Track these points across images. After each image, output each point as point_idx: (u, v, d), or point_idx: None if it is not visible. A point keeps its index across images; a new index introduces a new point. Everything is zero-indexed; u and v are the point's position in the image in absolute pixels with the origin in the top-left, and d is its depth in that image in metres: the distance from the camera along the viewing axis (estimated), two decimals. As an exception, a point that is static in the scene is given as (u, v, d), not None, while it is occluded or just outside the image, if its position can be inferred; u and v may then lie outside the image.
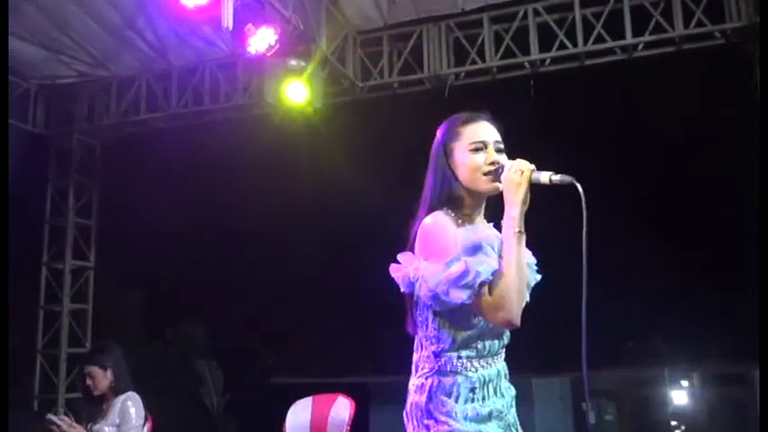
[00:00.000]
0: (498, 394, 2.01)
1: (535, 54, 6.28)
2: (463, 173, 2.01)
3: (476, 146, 2.01)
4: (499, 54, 6.39)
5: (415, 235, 1.99)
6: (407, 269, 1.93)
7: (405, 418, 2.01)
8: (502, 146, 2.05)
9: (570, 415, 12.39)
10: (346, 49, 6.64)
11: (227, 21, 4.47)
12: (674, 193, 10.66)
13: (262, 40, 4.79)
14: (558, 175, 1.90)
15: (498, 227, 1.96)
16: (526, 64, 6.37)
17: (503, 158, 2.01)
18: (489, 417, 1.95)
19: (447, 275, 1.82)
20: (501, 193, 1.96)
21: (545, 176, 1.90)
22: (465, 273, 1.80)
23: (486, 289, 1.82)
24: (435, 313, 1.93)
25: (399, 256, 1.98)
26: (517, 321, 1.84)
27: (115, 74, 7.36)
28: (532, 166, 1.92)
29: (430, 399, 1.92)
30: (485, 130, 2.04)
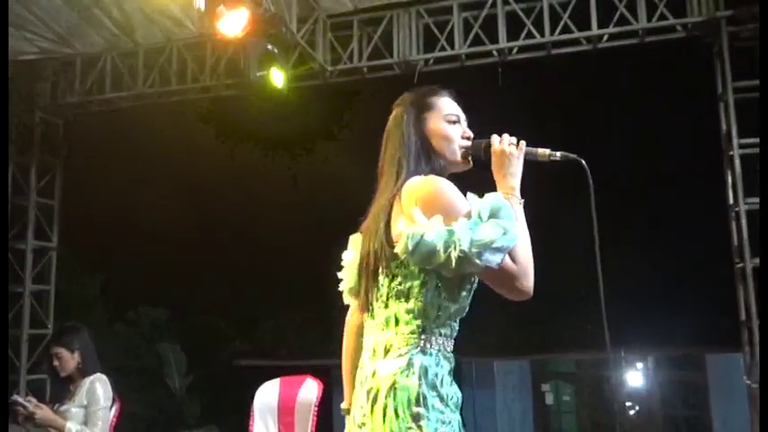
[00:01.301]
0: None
1: (503, 42, 6.36)
2: (438, 143, 1.92)
3: (452, 118, 1.95)
4: (468, 41, 6.46)
5: (388, 206, 1.84)
6: (422, 228, 1.69)
7: (365, 404, 1.75)
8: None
9: (530, 395, 12.71)
10: (316, 33, 6.64)
11: (199, 2, 4.45)
12: (635, 180, 10.94)
13: (233, 22, 4.78)
14: (559, 152, 1.89)
15: None
16: (494, 52, 6.44)
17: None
18: (459, 401, 1.81)
19: (483, 236, 1.64)
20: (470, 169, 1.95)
21: (543, 152, 1.90)
22: (503, 235, 1.65)
23: (508, 257, 1.70)
24: (423, 283, 1.76)
25: (414, 215, 1.72)
26: (532, 291, 1.74)
27: (80, 51, 7.24)
28: (523, 141, 1.90)
29: (420, 381, 1.70)
30: (457, 106, 1.99)
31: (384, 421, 1.70)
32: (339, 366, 1.91)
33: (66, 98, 7.43)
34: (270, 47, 5.10)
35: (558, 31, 6.21)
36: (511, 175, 1.86)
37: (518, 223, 1.74)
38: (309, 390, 4.66)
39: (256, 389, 4.81)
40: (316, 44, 6.61)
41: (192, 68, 7.01)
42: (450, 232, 1.66)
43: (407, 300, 1.78)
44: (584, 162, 1.87)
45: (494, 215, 1.68)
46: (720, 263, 6.07)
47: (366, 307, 1.89)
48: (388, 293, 1.81)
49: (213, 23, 4.73)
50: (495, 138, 1.91)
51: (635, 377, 12.57)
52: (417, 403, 1.68)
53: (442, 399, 1.72)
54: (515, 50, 6.43)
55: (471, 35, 6.44)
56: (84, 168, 9.63)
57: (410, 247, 1.69)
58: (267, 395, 4.78)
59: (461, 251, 1.63)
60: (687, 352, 11.66)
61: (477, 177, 1.94)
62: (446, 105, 1.96)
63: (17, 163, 7.54)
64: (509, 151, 1.87)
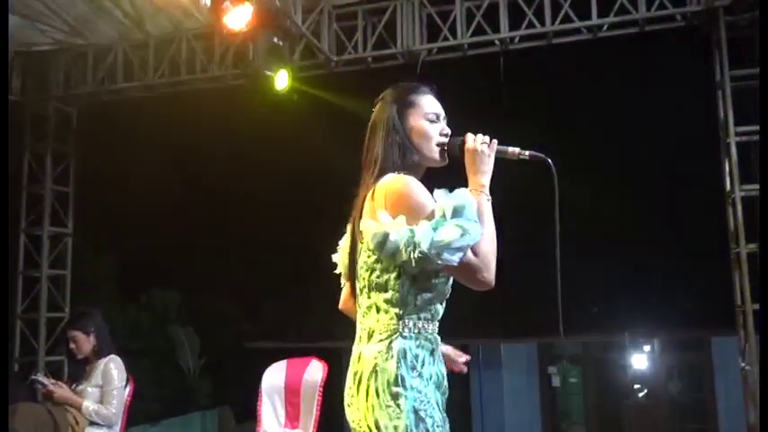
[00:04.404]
0: (441, 359, 2.00)
1: (505, 32, 6.43)
2: (417, 140, 2.02)
3: (432, 117, 2.03)
4: (470, 31, 6.54)
5: (364, 199, 1.97)
6: (387, 228, 1.82)
7: (352, 385, 1.90)
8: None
9: (536, 377, 12.86)
10: (321, 23, 6.75)
11: (205, -2, 4.59)
12: (636, 166, 11.01)
13: (239, 16, 4.92)
14: (528, 152, 1.98)
15: None
16: (496, 41, 6.53)
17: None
18: (442, 379, 1.96)
19: (442, 238, 1.75)
20: (445, 165, 2.04)
21: (513, 151, 1.99)
22: (461, 236, 1.76)
23: (470, 251, 1.81)
24: (399, 276, 1.88)
25: (379, 215, 1.87)
26: (493, 282, 1.86)
27: (92, 42, 7.39)
28: (495, 140, 1.99)
29: (399, 364, 1.84)
30: (438, 104, 2.07)
31: (367, 400, 1.85)
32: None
33: (79, 88, 7.57)
34: (276, 39, 5.22)
35: (558, 20, 6.28)
36: (481, 173, 1.96)
37: (484, 219, 1.86)
38: (315, 371, 4.85)
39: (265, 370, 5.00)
40: (321, 34, 6.73)
41: (200, 59, 7.15)
42: (413, 233, 1.78)
43: (386, 291, 1.91)
44: (550, 161, 1.96)
45: (457, 214, 1.78)
46: (725, 246, 6.17)
47: (354, 295, 2.06)
48: (369, 285, 1.95)
49: (219, 18, 4.86)
50: (469, 136, 2.01)
51: (640, 360, 12.68)
52: (396, 383, 1.82)
53: (421, 378, 1.85)
54: (517, 40, 6.51)
55: (473, 25, 6.51)
56: (97, 156, 9.81)
57: (375, 246, 1.84)
58: (274, 376, 4.97)
59: (421, 252, 1.76)
60: (692, 335, 11.76)
61: (456, 171, 2.05)
62: (427, 104, 2.05)
63: (33, 152, 7.74)
64: (480, 150, 1.97)
